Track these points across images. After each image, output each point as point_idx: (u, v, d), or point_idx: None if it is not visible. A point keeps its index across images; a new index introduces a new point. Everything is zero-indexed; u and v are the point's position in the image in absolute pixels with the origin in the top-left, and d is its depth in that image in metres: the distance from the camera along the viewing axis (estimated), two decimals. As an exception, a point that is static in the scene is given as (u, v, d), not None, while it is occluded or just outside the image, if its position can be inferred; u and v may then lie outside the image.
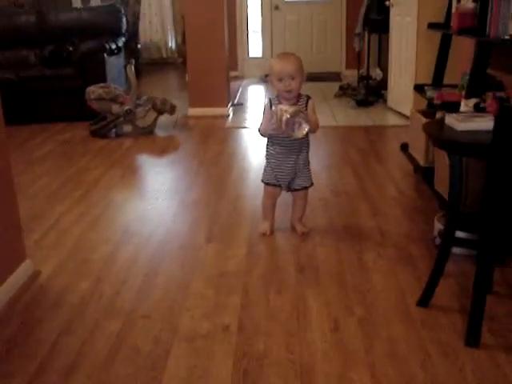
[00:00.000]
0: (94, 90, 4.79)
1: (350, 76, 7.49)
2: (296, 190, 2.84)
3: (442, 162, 2.86)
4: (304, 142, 2.75)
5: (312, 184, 2.86)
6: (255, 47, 8.67)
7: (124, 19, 6.13)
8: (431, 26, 3.55)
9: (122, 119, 4.89)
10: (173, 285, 2.41)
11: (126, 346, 1.97)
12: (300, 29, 8.24)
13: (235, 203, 3.34)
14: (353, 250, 2.68)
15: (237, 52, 8.30)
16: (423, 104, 3.75)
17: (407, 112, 4.77)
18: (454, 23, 3.17)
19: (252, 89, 7.62)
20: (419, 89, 3.64)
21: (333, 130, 5.04)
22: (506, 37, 2.53)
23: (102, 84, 4.97)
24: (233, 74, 7.38)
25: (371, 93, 6.28)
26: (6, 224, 2.33)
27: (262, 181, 2.88)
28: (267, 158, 2.82)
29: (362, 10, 6.30)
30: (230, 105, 5.95)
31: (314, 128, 2.67)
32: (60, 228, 3.05)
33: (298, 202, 2.89)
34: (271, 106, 2.65)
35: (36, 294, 2.35)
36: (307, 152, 2.80)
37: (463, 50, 3.42)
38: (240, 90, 7.36)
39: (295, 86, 2.61)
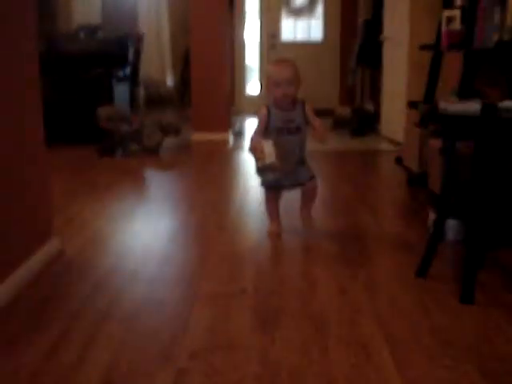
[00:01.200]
0: (104, 110, 5.06)
1: (343, 111, 7.83)
2: (302, 183, 2.83)
3: (435, 163, 3.12)
4: (301, 142, 2.78)
5: (315, 176, 2.86)
6: (252, 84, 9.05)
7: (131, 50, 6.46)
8: (423, 47, 3.87)
9: (129, 138, 5.14)
10: (191, 259, 2.62)
11: (153, 302, 2.16)
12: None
13: (243, 203, 3.58)
14: (355, 237, 2.91)
15: (235, 89, 8.65)
16: (416, 119, 4.03)
17: (400, 138, 5.06)
18: (443, 41, 3.49)
19: (250, 121, 7.95)
20: (412, 105, 3.93)
21: (329, 153, 5.31)
22: (491, 45, 2.84)
23: (111, 106, 5.25)
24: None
25: (364, 124, 6.60)
26: (38, 201, 2.54)
27: (262, 185, 2.90)
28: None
29: (356, 47, 6.68)
30: (230, 131, 6.24)
31: (322, 134, 2.72)
32: (81, 217, 3.27)
33: (308, 194, 2.88)
34: (269, 115, 2.71)
35: (65, 264, 2.55)
36: (304, 151, 2.82)
37: (452, 68, 3.73)
38: (238, 123, 7.66)
39: (292, 91, 2.68)
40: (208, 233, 3.01)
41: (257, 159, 2.65)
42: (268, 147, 2.58)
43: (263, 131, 2.72)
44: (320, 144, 2.75)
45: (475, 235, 2.18)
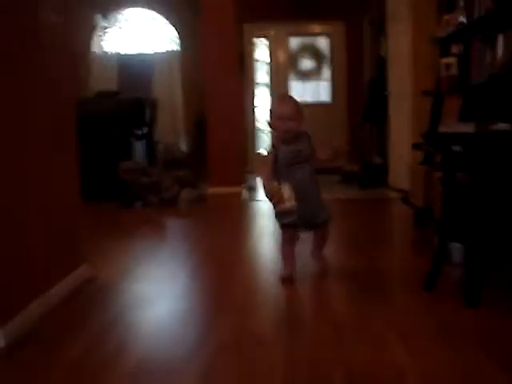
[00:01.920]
0: (126, 164, 5.35)
1: (352, 167, 8.07)
2: (316, 227, 2.80)
3: (437, 194, 3.32)
4: (312, 172, 2.77)
5: (330, 216, 2.84)
6: (263, 145, 9.39)
7: (147, 111, 6.84)
8: (425, 92, 4.14)
9: (148, 190, 5.39)
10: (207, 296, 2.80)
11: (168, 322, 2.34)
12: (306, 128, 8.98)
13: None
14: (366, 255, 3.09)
15: (247, 149, 8.98)
16: (420, 159, 4.27)
17: (408, 187, 5.27)
18: (442, 86, 3.77)
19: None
20: (416, 146, 4.17)
21: (339, 200, 5.51)
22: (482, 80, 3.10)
23: (131, 160, 5.55)
24: (243, 167, 8.03)
25: (373, 177, 6.81)
26: (69, 230, 2.76)
27: (280, 224, 2.80)
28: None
29: (363, 103, 7.02)
30: (244, 186, 6.49)
31: (326, 152, 2.81)
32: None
33: (322, 235, 2.86)
34: (277, 150, 2.72)
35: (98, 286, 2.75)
36: (318, 186, 2.81)
37: (452, 110, 3.99)
38: (251, 180, 7.94)
39: (294, 125, 2.70)
40: (224, 273, 3.16)
41: (275, 203, 2.61)
42: (286, 191, 2.55)
43: (273, 168, 2.71)
44: (327, 163, 2.83)
45: (473, 253, 2.35)
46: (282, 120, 2.69)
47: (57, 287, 2.50)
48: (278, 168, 2.72)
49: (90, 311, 2.42)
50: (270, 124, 2.80)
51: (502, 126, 2.55)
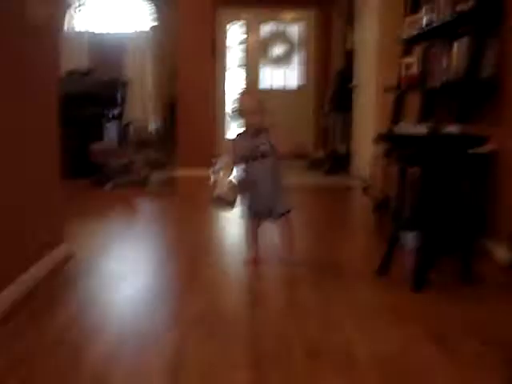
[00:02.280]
0: (97, 145, 5.48)
1: (317, 154, 8.34)
2: (275, 217, 2.92)
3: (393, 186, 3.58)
4: (272, 169, 2.86)
5: (290, 209, 2.93)
6: (231, 129, 9.58)
7: (120, 92, 6.94)
8: (387, 89, 4.40)
9: (119, 171, 5.54)
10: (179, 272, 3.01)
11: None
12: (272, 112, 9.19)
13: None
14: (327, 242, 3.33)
15: (215, 133, 9.15)
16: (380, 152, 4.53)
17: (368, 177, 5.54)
18: (403, 84, 4.02)
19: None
20: (376, 140, 4.42)
21: (304, 188, 5.77)
22: (438, 84, 3.36)
23: (103, 141, 5.68)
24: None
25: (337, 165, 7.10)
26: (49, 210, 2.92)
27: (241, 216, 2.99)
28: (242, 191, 2.85)
29: (330, 93, 7.25)
30: (212, 168, 6.68)
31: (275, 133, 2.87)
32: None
33: (283, 228, 2.97)
34: (236, 144, 2.87)
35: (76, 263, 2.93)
36: (279, 180, 2.90)
37: (411, 106, 4.25)
38: (219, 162, 8.13)
39: (256, 120, 2.80)
40: (195, 253, 3.40)
41: (212, 190, 2.74)
42: (223, 181, 2.67)
43: (233, 159, 2.85)
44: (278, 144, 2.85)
45: (423, 240, 2.62)
46: (245, 114, 2.81)
47: (37, 265, 2.66)
48: (236, 160, 2.86)
49: (70, 288, 2.60)
50: (232, 116, 2.89)
51: (452, 128, 2.81)
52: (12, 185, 2.40)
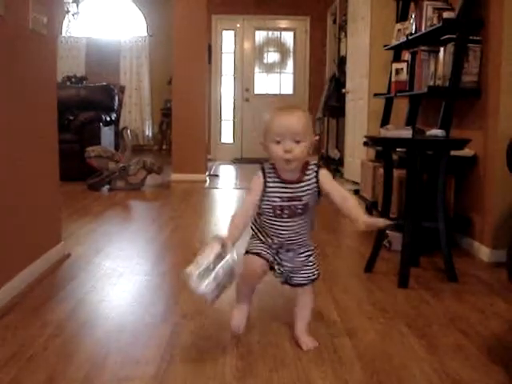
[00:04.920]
0: (93, 149, 5.58)
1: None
2: (294, 285, 2.01)
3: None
4: (305, 227, 1.93)
5: (316, 278, 2.02)
6: (226, 134, 9.70)
7: (116, 97, 7.04)
8: (376, 95, 4.51)
9: (116, 175, 5.63)
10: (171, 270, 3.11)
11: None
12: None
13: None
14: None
15: (210, 137, 9.27)
16: (372, 156, 4.64)
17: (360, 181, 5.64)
18: (392, 89, 4.13)
19: (224, 167, 8.53)
20: (366, 144, 4.52)
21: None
22: (425, 89, 3.46)
23: (99, 146, 5.77)
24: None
25: (330, 169, 7.22)
26: (48, 211, 3.02)
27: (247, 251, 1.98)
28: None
29: (323, 98, 7.37)
30: (207, 174, 6.78)
31: (350, 204, 1.88)
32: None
33: (304, 298, 2.02)
34: (265, 176, 1.84)
35: (71, 262, 3.02)
36: (309, 232, 1.98)
37: (401, 110, 4.37)
38: (214, 167, 8.24)
39: (299, 153, 1.75)
40: (188, 252, 3.50)
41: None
42: (208, 253, 1.76)
43: (255, 206, 1.87)
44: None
45: (408, 235, 2.72)
46: (284, 140, 1.76)
47: (35, 263, 2.74)
48: (262, 212, 1.90)
49: (67, 284, 2.69)
50: (263, 145, 1.83)
51: (437, 132, 2.91)
52: (12, 185, 2.49)
